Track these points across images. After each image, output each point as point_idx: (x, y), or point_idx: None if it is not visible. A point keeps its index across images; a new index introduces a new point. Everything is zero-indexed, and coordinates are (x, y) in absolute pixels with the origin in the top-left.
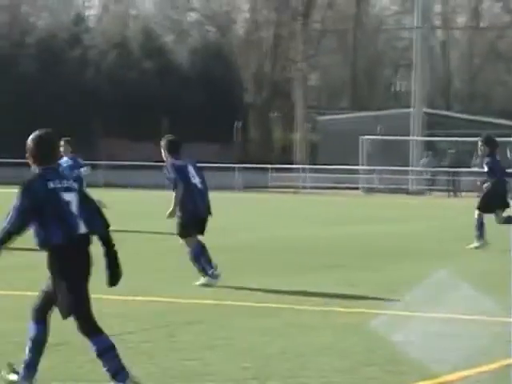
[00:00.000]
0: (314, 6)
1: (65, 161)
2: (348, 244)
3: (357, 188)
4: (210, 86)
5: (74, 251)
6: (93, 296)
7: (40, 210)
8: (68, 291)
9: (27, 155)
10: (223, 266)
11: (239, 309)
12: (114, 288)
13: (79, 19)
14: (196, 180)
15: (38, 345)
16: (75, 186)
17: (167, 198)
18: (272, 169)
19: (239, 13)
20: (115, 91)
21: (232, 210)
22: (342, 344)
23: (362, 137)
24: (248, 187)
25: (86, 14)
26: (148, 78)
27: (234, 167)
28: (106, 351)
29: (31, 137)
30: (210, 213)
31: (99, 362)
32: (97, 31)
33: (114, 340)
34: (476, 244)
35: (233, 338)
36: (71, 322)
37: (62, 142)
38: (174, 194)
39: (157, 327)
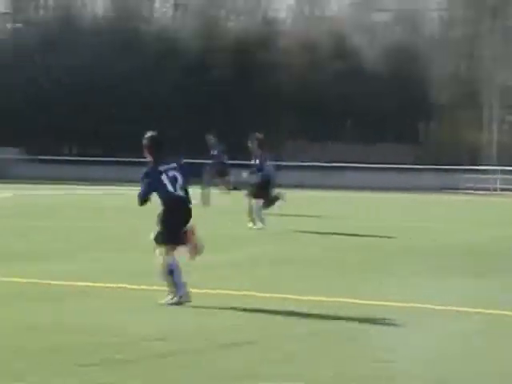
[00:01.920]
0: (508, 3)
1: None
2: None
3: None
4: (399, 86)
5: None
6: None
7: None
8: None
9: None
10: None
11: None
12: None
13: (269, 22)
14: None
15: None
16: None
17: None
18: (464, 170)
19: (429, 11)
20: (304, 93)
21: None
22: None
23: None
24: (437, 188)
25: (276, 16)
26: (337, 80)
27: (423, 168)
28: None
29: None
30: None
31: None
32: (286, 33)
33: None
34: None
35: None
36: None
37: None
38: None
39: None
